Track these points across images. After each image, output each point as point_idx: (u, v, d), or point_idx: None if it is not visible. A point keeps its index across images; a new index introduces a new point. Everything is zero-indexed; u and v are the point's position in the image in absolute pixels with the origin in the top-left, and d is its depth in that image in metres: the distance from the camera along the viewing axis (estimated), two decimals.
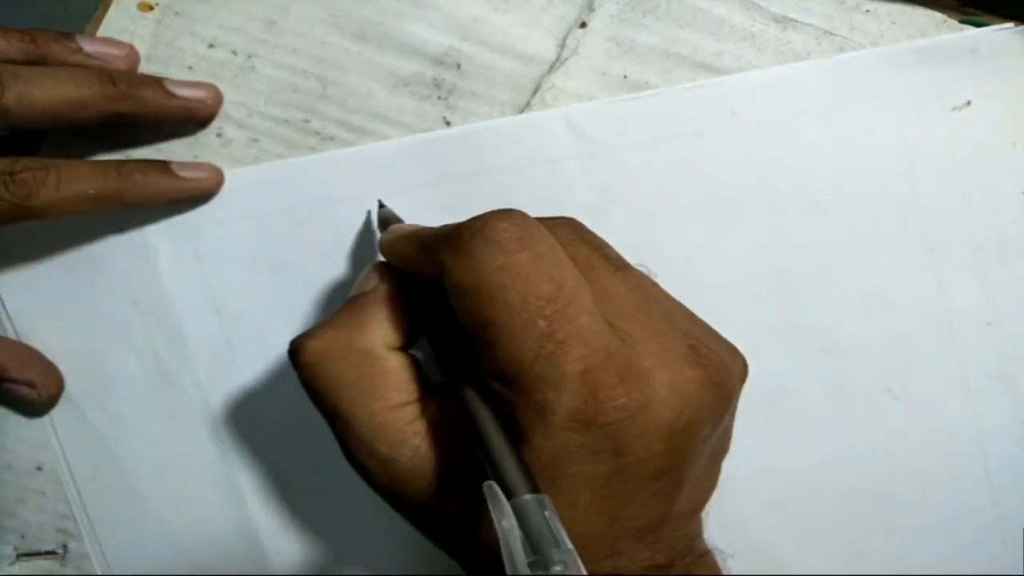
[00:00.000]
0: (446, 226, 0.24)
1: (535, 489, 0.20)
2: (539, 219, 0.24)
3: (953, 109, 0.31)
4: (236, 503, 0.34)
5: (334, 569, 0.34)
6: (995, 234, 0.31)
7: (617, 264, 0.24)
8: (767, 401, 0.32)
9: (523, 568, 0.18)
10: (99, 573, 0.34)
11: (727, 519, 0.33)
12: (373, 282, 0.26)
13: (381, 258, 0.28)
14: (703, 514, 0.26)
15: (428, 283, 0.25)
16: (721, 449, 0.26)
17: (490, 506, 0.19)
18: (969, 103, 0.31)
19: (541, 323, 0.21)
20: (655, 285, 0.25)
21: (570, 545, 0.18)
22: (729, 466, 0.33)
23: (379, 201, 0.31)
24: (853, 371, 0.32)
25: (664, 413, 0.21)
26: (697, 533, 0.25)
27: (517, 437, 0.21)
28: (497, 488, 0.20)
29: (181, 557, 0.34)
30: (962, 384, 0.32)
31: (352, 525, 0.34)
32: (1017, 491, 0.33)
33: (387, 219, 0.30)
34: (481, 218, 0.22)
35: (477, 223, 0.22)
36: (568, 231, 0.25)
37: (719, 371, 0.23)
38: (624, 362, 0.21)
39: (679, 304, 0.25)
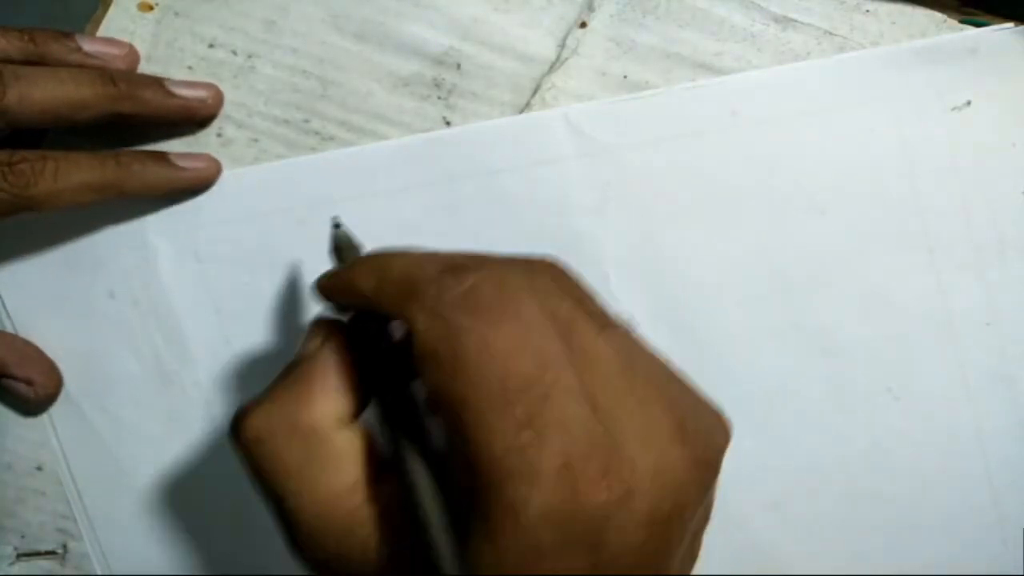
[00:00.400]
0: (415, 265, 0.21)
1: None
2: (517, 259, 0.22)
3: (953, 109, 0.31)
4: (235, 503, 0.34)
5: None
6: (995, 234, 0.31)
7: (601, 322, 0.21)
8: (767, 401, 0.32)
9: None
10: (99, 573, 0.34)
11: (727, 519, 0.33)
12: (316, 343, 0.23)
13: (324, 311, 0.25)
14: None
15: (380, 337, 0.22)
16: (702, 525, 0.23)
17: None
18: (969, 103, 0.31)
19: (519, 409, 0.19)
20: (639, 343, 0.22)
21: None
22: (729, 466, 0.33)
23: (333, 219, 0.27)
24: (853, 371, 0.32)
25: (646, 502, 0.19)
26: None
27: (477, 529, 0.19)
28: None
29: (181, 557, 0.34)
30: (962, 384, 0.32)
31: None
32: (1017, 491, 0.33)
33: (342, 243, 0.27)
34: (464, 278, 0.20)
35: (460, 284, 0.20)
36: (548, 281, 0.22)
37: (706, 450, 0.21)
38: (607, 451, 0.19)
39: (661, 363, 0.23)
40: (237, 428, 0.22)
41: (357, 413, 0.23)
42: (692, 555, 0.23)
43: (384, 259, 0.23)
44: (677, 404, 0.21)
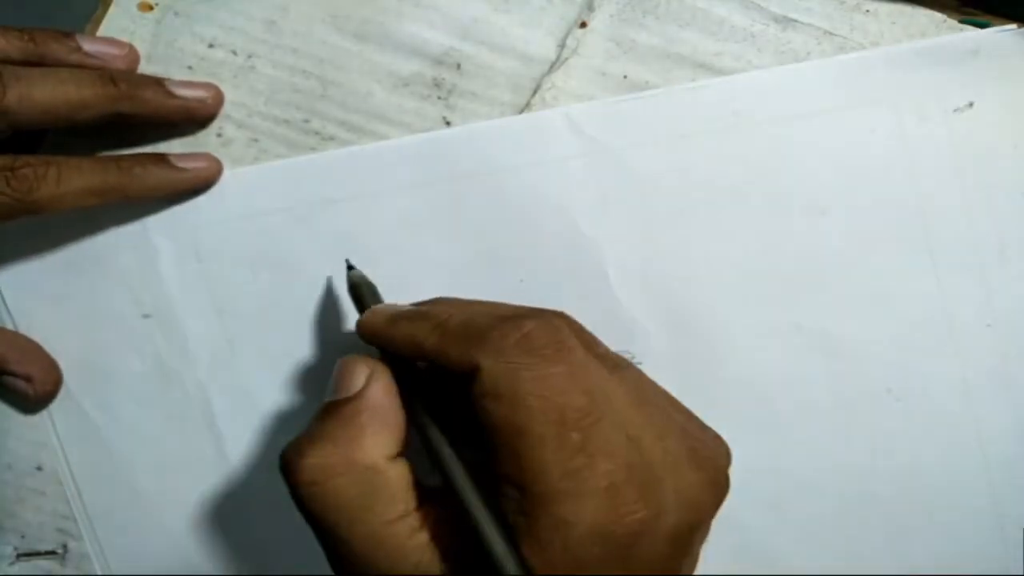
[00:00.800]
0: (475, 319, 0.24)
1: None
2: (543, 311, 0.24)
3: (955, 110, 0.31)
4: (235, 503, 0.34)
5: None
6: (996, 235, 0.31)
7: (611, 364, 0.24)
8: (767, 401, 0.32)
9: None
10: (99, 573, 0.34)
11: (727, 519, 0.33)
12: (360, 381, 0.25)
13: (360, 349, 0.27)
14: None
15: (423, 376, 0.25)
16: (702, 540, 0.25)
17: None
18: (971, 104, 0.31)
19: (575, 436, 0.21)
20: (645, 379, 0.25)
21: None
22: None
23: (347, 262, 0.30)
24: (854, 372, 0.32)
25: (671, 520, 0.22)
26: None
27: (527, 545, 0.21)
28: None
29: (181, 557, 0.34)
30: (962, 385, 0.32)
31: None
32: (1017, 491, 0.33)
33: (360, 287, 0.29)
34: (522, 325, 0.22)
35: (519, 330, 0.22)
36: (564, 327, 0.24)
37: (717, 472, 0.24)
38: (641, 473, 0.22)
39: (666, 394, 0.25)
40: (292, 468, 0.24)
41: (404, 450, 0.25)
42: (694, 561, 0.25)
43: (441, 315, 0.25)
44: (687, 433, 0.24)
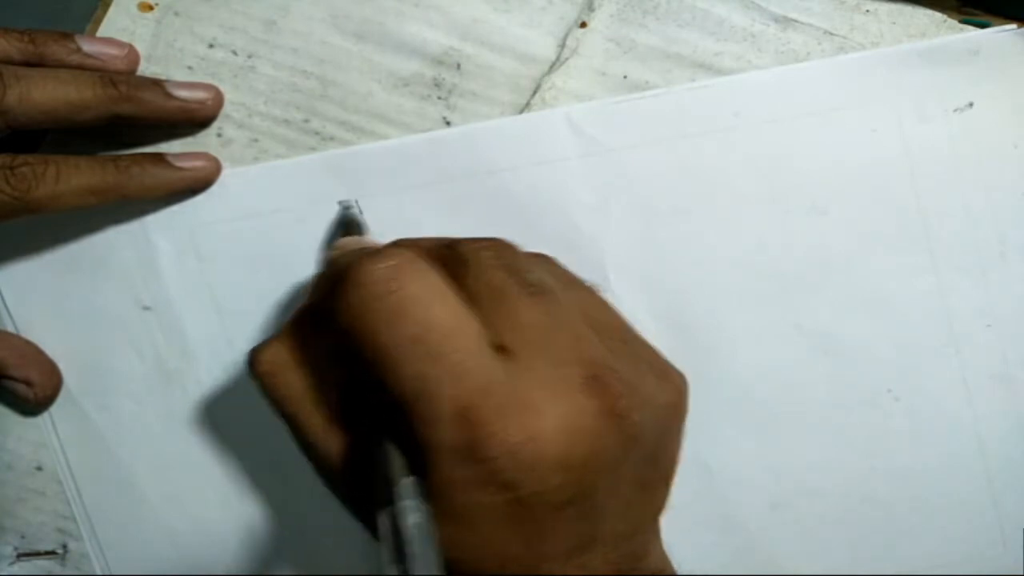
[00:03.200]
0: (340, 258, 0.25)
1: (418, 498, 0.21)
2: (462, 241, 0.25)
3: (955, 110, 0.31)
4: (235, 502, 0.34)
5: (335, 568, 0.34)
6: (996, 236, 0.31)
7: (531, 290, 0.24)
8: (767, 401, 0.32)
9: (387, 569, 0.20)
10: (99, 573, 0.34)
11: (727, 519, 0.33)
12: (310, 295, 0.26)
13: None
14: (656, 531, 0.26)
15: None
16: (651, 475, 0.25)
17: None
18: (971, 104, 0.31)
19: (410, 365, 0.22)
20: (575, 308, 0.25)
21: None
22: (729, 466, 0.33)
23: (340, 202, 0.31)
24: (853, 372, 0.32)
25: (555, 446, 0.21)
26: (645, 553, 0.25)
27: (418, 467, 0.22)
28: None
29: (181, 557, 0.34)
30: (962, 385, 0.32)
31: (352, 525, 0.34)
32: (1017, 491, 0.33)
33: (348, 223, 0.30)
34: (353, 261, 0.23)
35: (348, 268, 0.23)
36: (490, 256, 0.24)
37: (619, 400, 0.22)
38: (506, 397, 0.21)
39: (609, 326, 0.25)
40: (253, 359, 0.25)
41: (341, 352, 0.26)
42: (651, 502, 0.25)
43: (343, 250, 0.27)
44: (598, 362, 0.23)
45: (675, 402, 0.25)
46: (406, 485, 0.21)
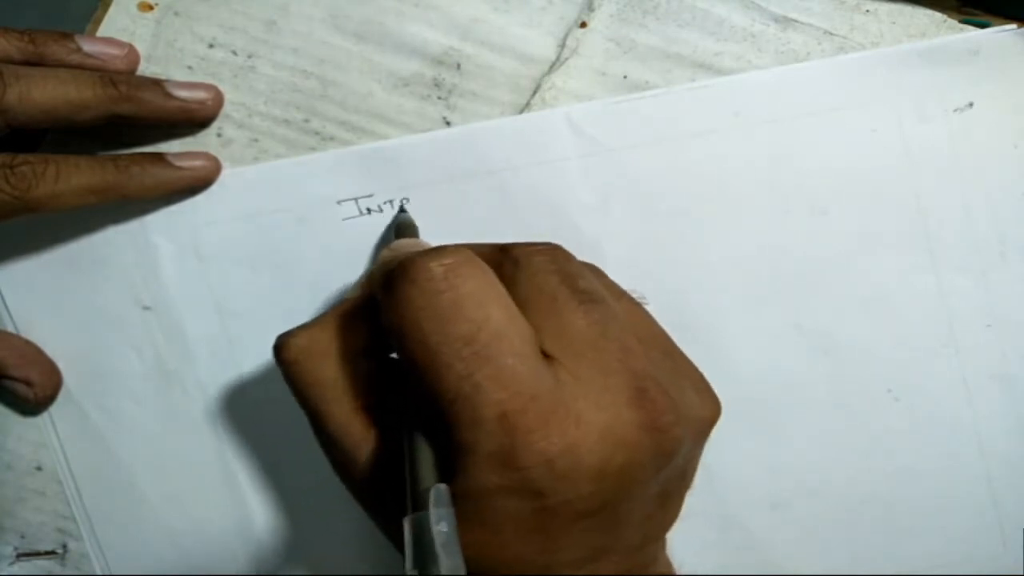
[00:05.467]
0: (394, 258, 0.25)
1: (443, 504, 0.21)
2: (517, 245, 0.24)
3: (955, 110, 0.31)
4: (235, 502, 0.34)
5: (335, 568, 0.34)
6: (996, 235, 0.31)
7: (583, 297, 0.24)
8: (767, 401, 0.32)
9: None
10: (99, 573, 0.34)
11: (727, 519, 0.33)
12: (360, 289, 0.26)
13: None
14: (663, 542, 0.26)
15: None
16: (675, 489, 0.25)
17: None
18: (971, 104, 0.31)
19: (458, 365, 0.21)
20: (624, 320, 0.24)
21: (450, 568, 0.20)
22: (729, 466, 0.33)
23: (401, 203, 0.32)
24: (853, 371, 0.32)
25: (594, 456, 0.21)
26: (652, 561, 0.25)
27: (447, 468, 0.22)
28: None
29: (181, 557, 0.34)
30: (962, 385, 0.32)
31: (353, 525, 0.34)
32: (1017, 491, 0.33)
33: (402, 227, 0.31)
34: (409, 258, 0.23)
35: (404, 263, 0.23)
36: (544, 260, 0.24)
37: (663, 415, 0.23)
38: (550, 405, 0.21)
39: (654, 339, 0.25)
40: (280, 349, 0.25)
41: (385, 352, 0.26)
42: (667, 514, 0.25)
43: (396, 253, 0.27)
44: (644, 374, 0.23)
45: (711, 419, 0.25)
46: (440, 491, 0.21)
